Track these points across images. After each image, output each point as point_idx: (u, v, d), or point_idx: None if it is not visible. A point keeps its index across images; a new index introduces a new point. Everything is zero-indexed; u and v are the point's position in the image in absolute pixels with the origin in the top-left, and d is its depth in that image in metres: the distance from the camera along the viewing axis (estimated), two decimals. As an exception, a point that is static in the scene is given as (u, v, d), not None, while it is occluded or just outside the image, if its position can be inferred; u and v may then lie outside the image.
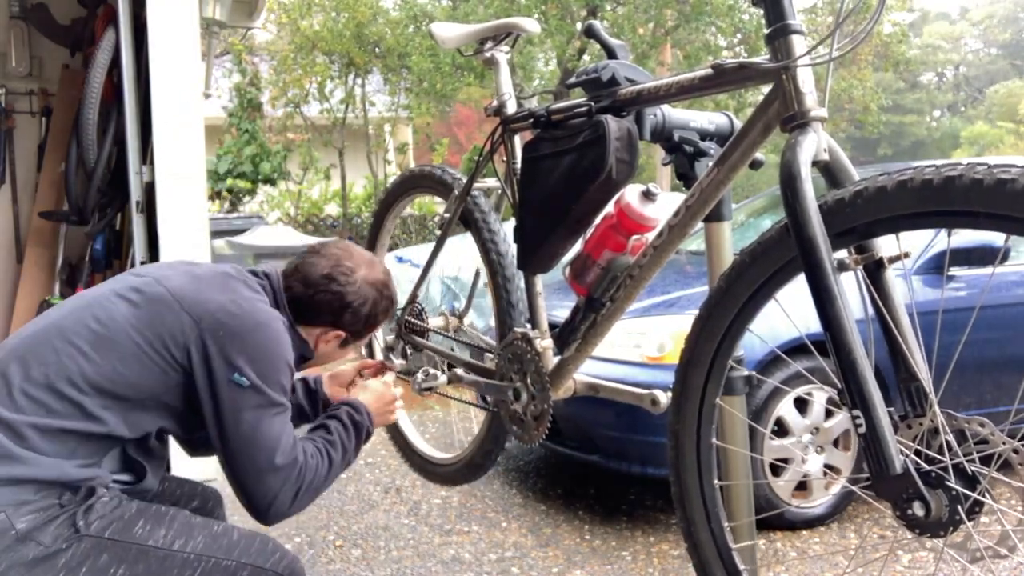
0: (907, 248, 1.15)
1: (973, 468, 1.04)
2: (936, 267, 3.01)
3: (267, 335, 1.37)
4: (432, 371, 1.98)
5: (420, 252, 5.31)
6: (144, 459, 1.40)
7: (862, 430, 1.04)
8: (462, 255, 2.10)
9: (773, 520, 2.81)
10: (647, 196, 1.49)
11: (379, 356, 2.35)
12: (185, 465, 2.26)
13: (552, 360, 1.71)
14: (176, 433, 1.48)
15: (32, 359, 1.29)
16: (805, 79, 1.15)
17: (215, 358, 1.31)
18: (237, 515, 2.91)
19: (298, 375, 1.71)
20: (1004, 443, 1.04)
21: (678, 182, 1.57)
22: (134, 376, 1.30)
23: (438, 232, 2.07)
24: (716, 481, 1.39)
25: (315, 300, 1.52)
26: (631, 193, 1.49)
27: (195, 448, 1.63)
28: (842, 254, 1.14)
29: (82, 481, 1.28)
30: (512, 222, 1.73)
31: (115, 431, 1.31)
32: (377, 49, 10.53)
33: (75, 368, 1.28)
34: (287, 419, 1.40)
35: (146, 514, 1.31)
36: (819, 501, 2.92)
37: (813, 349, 1.42)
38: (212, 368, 1.32)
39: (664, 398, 1.50)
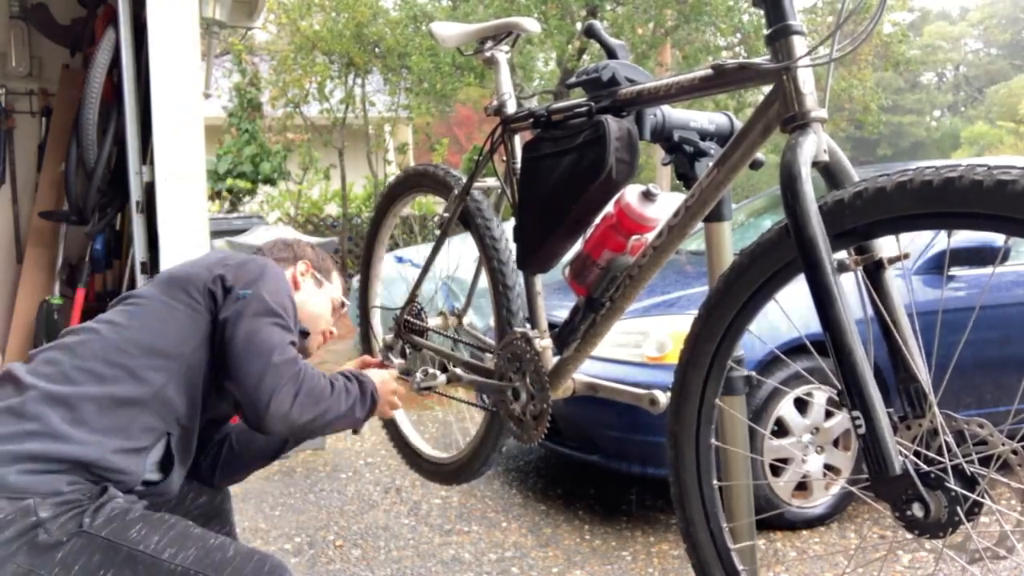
0: (907, 248, 1.15)
1: (972, 469, 1.04)
2: (936, 267, 3.01)
3: (270, 274, 1.51)
4: (431, 370, 1.98)
5: (420, 252, 5.32)
6: (180, 457, 1.45)
7: (861, 431, 1.04)
8: (462, 255, 2.09)
9: (773, 520, 2.81)
10: (647, 196, 1.49)
11: (378, 356, 2.35)
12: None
13: (551, 360, 1.71)
14: (216, 384, 1.51)
15: (76, 344, 1.40)
16: (805, 80, 1.15)
17: (228, 282, 1.46)
18: (238, 515, 2.91)
19: None
20: (1003, 444, 1.04)
21: (678, 182, 1.57)
22: (174, 330, 1.42)
23: (438, 232, 2.07)
24: (715, 482, 1.39)
25: (271, 256, 1.72)
26: (631, 193, 1.49)
27: (229, 475, 1.72)
28: (842, 255, 1.14)
29: (119, 472, 1.32)
30: (512, 222, 1.73)
31: (165, 392, 1.38)
32: (377, 49, 10.52)
33: (118, 337, 1.40)
34: (288, 337, 1.46)
35: (147, 519, 1.31)
36: (819, 501, 2.92)
37: (812, 349, 1.42)
38: (226, 288, 1.46)
39: (663, 398, 1.50)
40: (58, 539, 1.23)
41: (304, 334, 1.70)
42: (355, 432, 1.71)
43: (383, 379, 1.68)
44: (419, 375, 1.97)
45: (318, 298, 1.77)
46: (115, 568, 1.25)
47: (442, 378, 1.97)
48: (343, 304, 1.88)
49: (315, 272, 1.78)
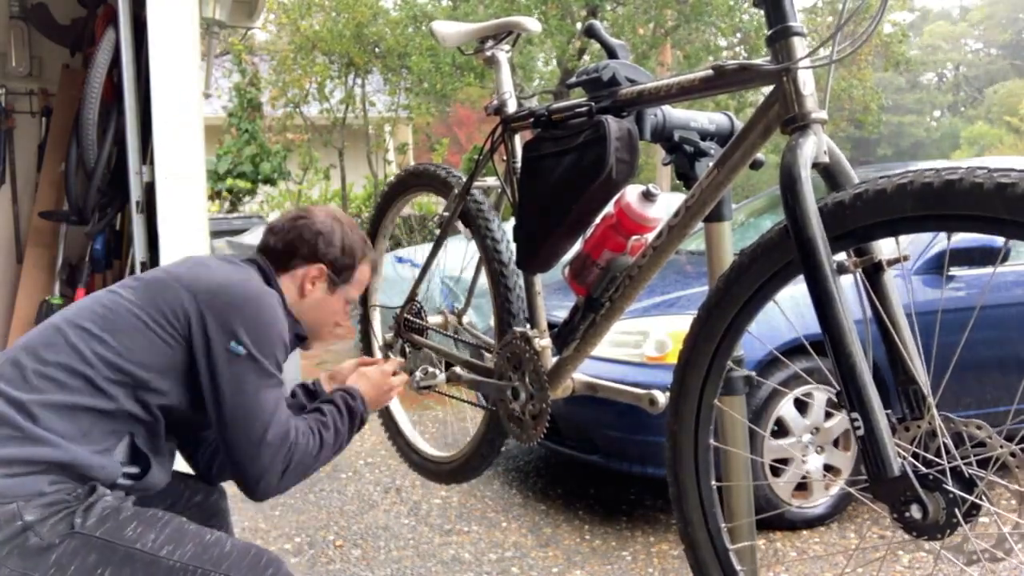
0: (906, 248, 1.15)
1: (970, 471, 1.04)
2: (936, 267, 3.01)
3: (261, 306, 1.42)
4: (431, 369, 1.98)
5: (420, 252, 5.31)
6: (152, 453, 1.41)
7: (860, 432, 1.04)
8: (462, 254, 2.09)
9: (773, 520, 2.81)
10: (647, 196, 1.49)
11: (378, 355, 2.35)
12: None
13: (551, 360, 1.71)
14: (180, 413, 1.47)
15: (42, 346, 1.35)
16: (806, 81, 1.15)
17: (213, 327, 1.37)
18: (237, 515, 2.91)
19: (298, 381, 1.75)
20: (1002, 446, 1.04)
21: (678, 182, 1.57)
22: (142, 352, 1.35)
23: (438, 231, 2.07)
24: (713, 482, 1.39)
25: (288, 239, 1.60)
26: (631, 193, 1.49)
27: (206, 468, 1.67)
28: (841, 256, 1.14)
29: (96, 469, 1.29)
30: (512, 221, 1.73)
31: (124, 407, 1.34)
32: (377, 49, 10.52)
33: (85, 347, 1.34)
34: (280, 394, 1.43)
35: (140, 517, 1.31)
36: (819, 501, 2.93)
37: (811, 350, 1.42)
38: (210, 337, 1.36)
39: (662, 398, 1.50)
40: (50, 541, 1.23)
41: (301, 338, 1.65)
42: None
43: (374, 383, 1.68)
44: (419, 374, 1.97)
45: (325, 305, 1.65)
46: (112, 567, 1.25)
47: (441, 377, 1.97)
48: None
49: (331, 275, 1.62)
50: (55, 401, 1.29)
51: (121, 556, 1.26)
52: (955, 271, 3.04)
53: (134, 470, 1.40)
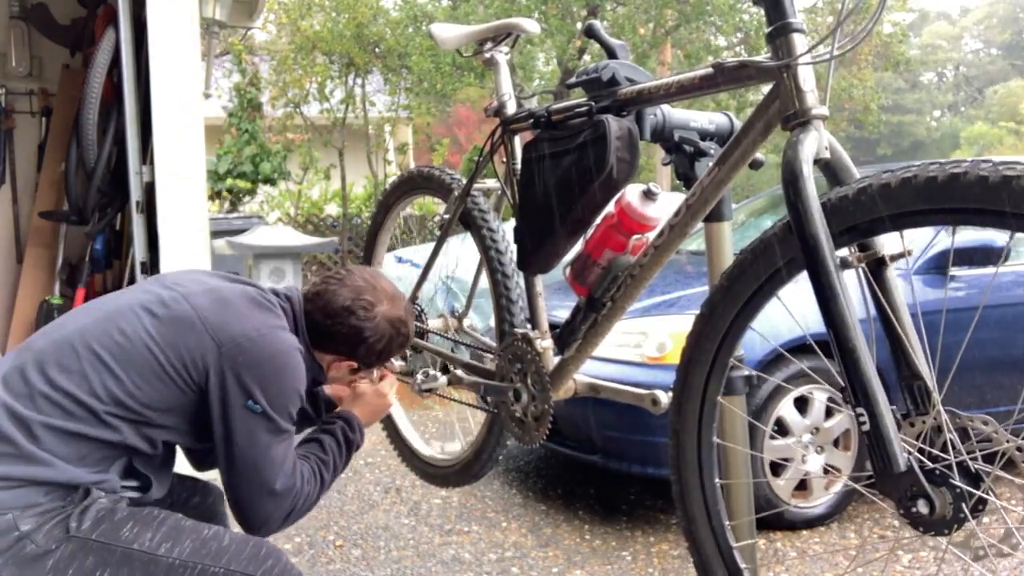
0: (907, 247, 1.14)
1: (977, 466, 1.04)
2: (937, 267, 3.01)
3: (283, 365, 1.39)
4: (432, 372, 1.98)
5: (421, 252, 5.31)
6: (151, 472, 1.41)
7: (866, 427, 1.03)
8: (464, 256, 2.10)
9: (773, 520, 2.81)
10: (648, 196, 1.49)
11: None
12: (187, 463, 2.26)
13: (552, 360, 1.70)
14: (184, 446, 1.51)
15: (55, 364, 1.31)
16: (806, 78, 1.15)
17: (231, 384, 1.34)
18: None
19: None
20: (1008, 441, 1.04)
21: (678, 182, 1.57)
22: (152, 392, 1.33)
23: (438, 233, 2.07)
24: (717, 480, 1.38)
25: (332, 331, 1.53)
26: (632, 193, 1.49)
27: (201, 463, 1.65)
28: (844, 252, 1.14)
29: (94, 485, 1.29)
30: (512, 223, 1.73)
31: (127, 440, 1.33)
32: (377, 49, 10.52)
33: (96, 379, 1.30)
34: (291, 445, 1.43)
35: (136, 517, 1.31)
36: (819, 501, 2.92)
37: (816, 348, 1.42)
38: (227, 392, 1.34)
39: (664, 398, 1.50)
40: (47, 547, 1.22)
41: (318, 382, 1.62)
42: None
43: (372, 408, 1.70)
44: (420, 376, 1.96)
45: (342, 379, 1.68)
46: (111, 568, 1.25)
47: (443, 380, 1.97)
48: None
49: (358, 366, 1.61)
50: (58, 426, 1.27)
51: (119, 557, 1.26)
52: (956, 271, 3.04)
53: (133, 483, 1.40)
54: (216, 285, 1.46)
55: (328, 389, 1.77)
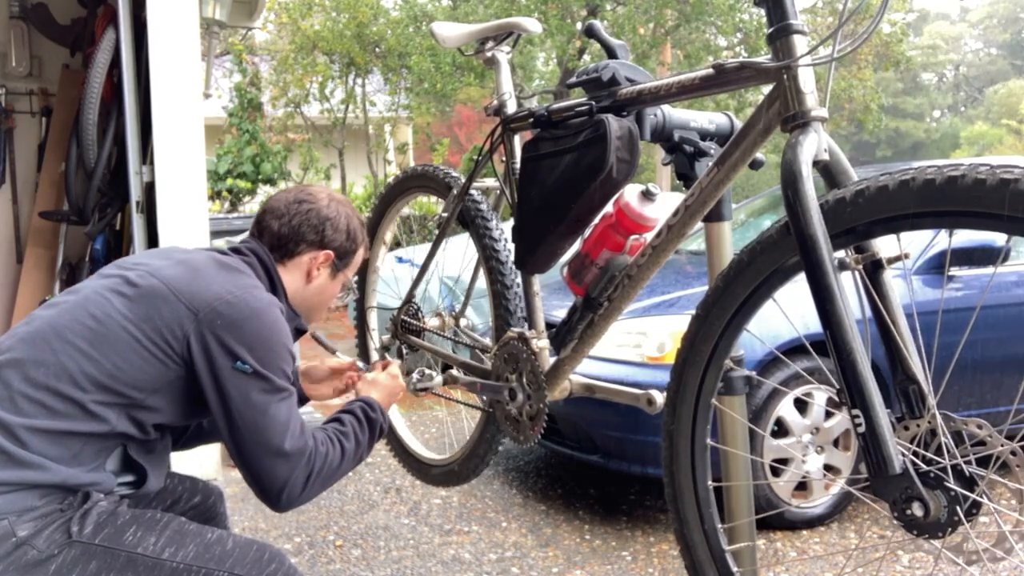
0: (906, 248, 1.15)
1: (971, 470, 1.04)
2: (936, 267, 3.01)
3: (264, 322, 1.36)
4: (427, 371, 1.97)
5: (421, 252, 5.30)
6: (146, 461, 1.39)
7: (861, 429, 1.04)
8: (463, 255, 2.09)
9: (773, 520, 2.81)
10: (646, 196, 1.49)
11: (375, 355, 2.35)
12: (186, 463, 2.26)
13: (548, 360, 1.70)
14: (173, 424, 1.45)
15: (30, 362, 1.28)
16: (806, 79, 1.15)
17: (215, 348, 1.31)
18: (237, 516, 2.91)
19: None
20: (1002, 445, 1.04)
21: (678, 182, 1.57)
22: (135, 371, 1.29)
23: (436, 232, 2.07)
24: (710, 482, 1.38)
25: (293, 224, 1.54)
26: (630, 193, 1.49)
27: (179, 443, 1.63)
28: (841, 254, 1.14)
29: (88, 485, 1.27)
30: (511, 222, 1.73)
31: (117, 428, 1.30)
32: (378, 49, 10.53)
33: (75, 367, 1.27)
34: (293, 404, 1.39)
35: (139, 520, 1.29)
36: (819, 501, 2.92)
37: (811, 350, 1.42)
38: (213, 358, 1.31)
39: (660, 398, 1.50)
40: (49, 553, 1.20)
41: (300, 332, 1.62)
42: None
43: (389, 391, 1.66)
44: (415, 376, 1.96)
45: (328, 289, 1.63)
46: (115, 573, 1.24)
47: (438, 379, 1.97)
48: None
49: (336, 262, 1.60)
50: (44, 427, 1.24)
51: (123, 561, 1.24)
52: (955, 271, 3.04)
53: (129, 478, 1.38)
54: (181, 257, 1.44)
55: (302, 384, 1.74)
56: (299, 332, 1.60)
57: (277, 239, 1.54)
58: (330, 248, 1.57)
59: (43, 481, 1.23)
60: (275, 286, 1.52)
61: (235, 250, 1.53)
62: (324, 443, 1.41)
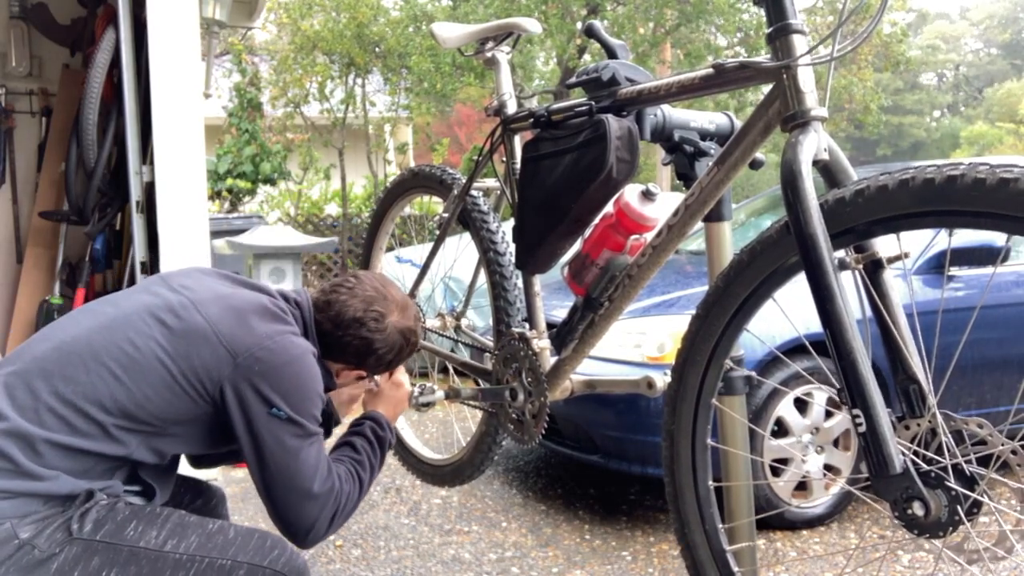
0: (906, 248, 1.15)
1: (971, 469, 1.04)
2: (936, 267, 3.01)
3: (301, 369, 1.38)
4: (428, 385, 1.98)
5: (421, 252, 5.31)
6: (155, 480, 1.40)
7: (862, 429, 1.04)
8: (464, 255, 2.10)
9: (773, 520, 2.81)
10: (646, 196, 1.49)
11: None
12: (186, 464, 2.26)
13: (549, 360, 1.70)
14: (192, 454, 1.49)
15: (60, 376, 1.28)
16: (806, 79, 1.16)
17: (250, 395, 1.33)
18: (238, 516, 2.90)
19: None
20: (1003, 444, 1.04)
21: (678, 182, 1.57)
22: (163, 404, 1.31)
23: (437, 232, 2.07)
24: (710, 482, 1.38)
25: (343, 341, 1.52)
26: (630, 193, 1.49)
27: (200, 462, 1.65)
28: (841, 253, 1.14)
29: (94, 494, 1.28)
30: (511, 222, 1.73)
31: (134, 455, 1.31)
32: (377, 49, 10.52)
33: (105, 390, 1.28)
34: (322, 447, 1.41)
35: (139, 515, 1.30)
36: (819, 501, 2.92)
37: (812, 350, 1.42)
38: (247, 404, 1.33)
39: (660, 381, 1.49)
40: (50, 552, 1.21)
41: (328, 388, 1.60)
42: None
43: (394, 402, 1.68)
44: (416, 390, 1.97)
45: (352, 386, 1.67)
46: (118, 567, 1.24)
47: (439, 394, 1.98)
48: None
49: (368, 379, 1.65)
50: (63, 442, 1.25)
51: (125, 556, 1.25)
52: (955, 271, 3.04)
53: (136, 489, 1.39)
54: (225, 292, 1.44)
55: (341, 395, 1.75)
56: (327, 388, 1.56)
57: (324, 339, 1.52)
58: (364, 370, 1.59)
59: (51, 492, 1.24)
60: (309, 338, 1.50)
61: (284, 296, 1.52)
62: (347, 481, 1.44)
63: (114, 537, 1.25)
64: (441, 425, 4.33)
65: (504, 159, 1.83)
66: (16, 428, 1.23)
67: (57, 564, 1.21)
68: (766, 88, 1.22)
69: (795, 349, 2.72)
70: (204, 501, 1.68)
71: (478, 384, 1.94)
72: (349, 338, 1.50)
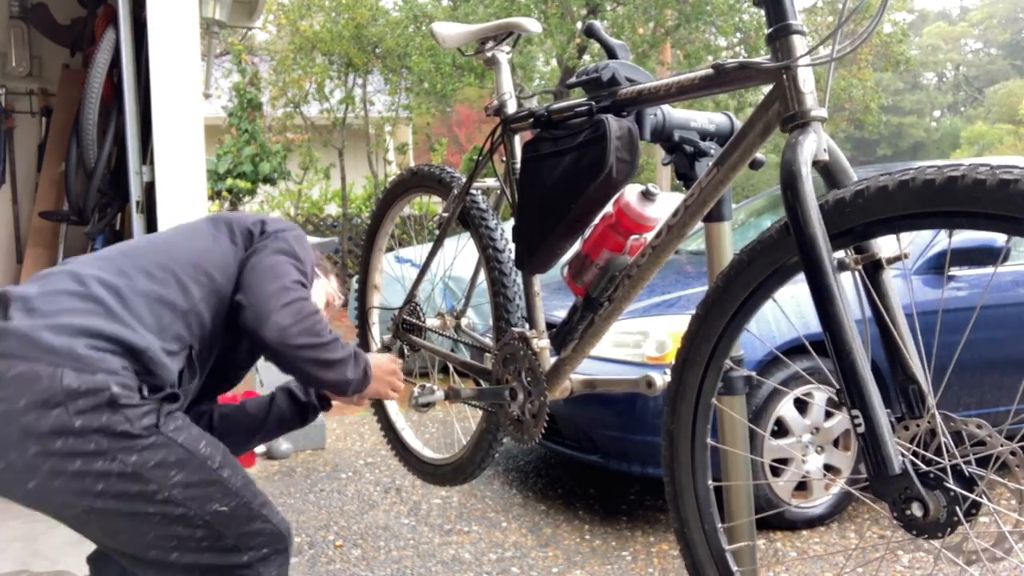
0: (906, 248, 1.15)
1: (971, 470, 1.04)
2: (936, 267, 3.01)
3: (299, 234, 1.65)
4: (428, 385, 1.98)
5: (421, 252, 5.31)
6: (194, 375, 1.53)
7: (861, 429, 1.03)
8: (464, 254, 2.10)
9: (773, 520, 2.81)
10: (646, 196, 1.49)
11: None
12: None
13: (549, 360, 1.70)
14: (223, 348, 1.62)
15: (128, 248, 1.56)
16: (805, 79, 1.15)
17: (268, 229, 1.63)
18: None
19: (284, 383, 1.85)
20: (1002, 445, 1.04)
21: (678, 182, 1.57)
22: (214, 254, 1.56)
23: (437, 232, 2.07)
24: (710, 482, 1.38)
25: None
26: (630, 193, 1.49)
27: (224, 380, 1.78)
28: (840, 254, 1.14)
29: (159, 366, 1.40)
30: (511, 222, 1.73)
31: (197, 307, 1.50)
32: (377, 49, 10.52)
33: (168, 248, 1.56)
34: (304, 285, 1.56)
35: (207, 437, 1.46)
36: (819, 501, 2.92)
37: (812, 350, 1.42)
38: (264, 233, 1.62)
39: (659, 380, 1.49)
40: (138, 431, 1.33)
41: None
42: (346, 396, 1.69)
43: (379, 361, 1.75)
44: (416, 390, 1.97)
45: (319, 289, 1.85)
46: (186, 472, 1.38)
47: (439, 395, 1.98)
48: (343, 303, 1.93)
49: (317, 268, 1.84)
50: (144, 289, 1.44)
51: (195, 466, 1.39)
52: (955, 271, 3.04)
53: (178, 388, 1.49)
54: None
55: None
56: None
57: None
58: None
59: (131, 341, 1.37)
60: None
61: None
62: (310, 317, 1.54)
63: (191, 446, 1.40)
64: (441, 425, 4.33)
65: (504, 159, 1.83)
66: (105, 280, 1.43)
67: (143, 444, 1.33)
68: (766, 89, 1.22)
69: (795, 349, 2.72)
70: None
71: (478, 384, 1.94)
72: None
